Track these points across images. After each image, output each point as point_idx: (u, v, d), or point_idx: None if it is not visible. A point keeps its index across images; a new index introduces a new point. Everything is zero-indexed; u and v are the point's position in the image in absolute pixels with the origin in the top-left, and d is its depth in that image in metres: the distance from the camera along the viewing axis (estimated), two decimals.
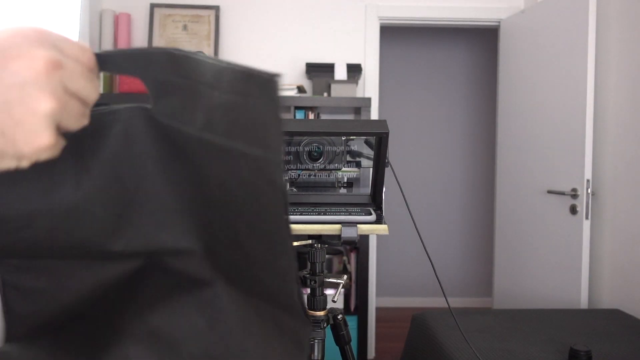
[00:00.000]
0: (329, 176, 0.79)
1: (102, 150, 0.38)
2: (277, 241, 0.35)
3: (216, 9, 2.68)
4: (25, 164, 0.28)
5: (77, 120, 0.30)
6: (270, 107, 0.33)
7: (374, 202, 0.74)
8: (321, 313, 0.89)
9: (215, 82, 0.34)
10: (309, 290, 0.89)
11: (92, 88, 0.31)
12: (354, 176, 0.79)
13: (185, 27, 2.67)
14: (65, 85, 0.28)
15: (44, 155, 0.28)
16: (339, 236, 0.66)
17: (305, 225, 0.68)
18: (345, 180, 0.79)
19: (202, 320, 0.38)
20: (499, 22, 2.83)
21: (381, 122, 0.64)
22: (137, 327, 0.39)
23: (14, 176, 0.36)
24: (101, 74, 2.37)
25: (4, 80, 0.26)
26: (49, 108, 0.27)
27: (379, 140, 0.66)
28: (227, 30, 2.73)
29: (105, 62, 0.36)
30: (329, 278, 0.90)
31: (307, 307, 0.90)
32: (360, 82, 2.74)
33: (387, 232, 0.68)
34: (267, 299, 0.37)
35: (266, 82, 0.32)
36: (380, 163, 0.68)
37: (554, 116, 2.36)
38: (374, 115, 2.67)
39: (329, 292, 0.92)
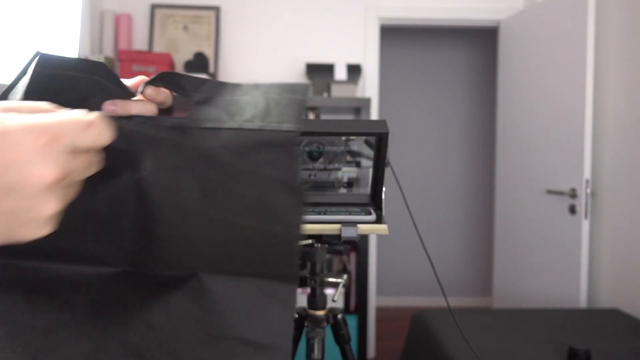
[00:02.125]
0: (329, 176, 0.79)
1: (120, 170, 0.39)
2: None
3: (217, 9, 2.69)
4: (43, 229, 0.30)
5: (84, 172, 0.32)
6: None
7: (374, 202, 0.75)
8: (321, 312, 0.89)
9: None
10: (309, 290, 0.90)
11: (93, 137, 0.31)
12: (354, 176, 0.80)
13: (185, 28, 2.67)
14: (65, 148, 0.29)
15: (52, 218, 0.30)
16: (339, 236, 0.66)
17: (305, 225, 0.69)
18: (345, 180, 0.80)
19: (196, 307, 0.40)
20: (499, 22, 2.83)
21: (381, 122, 0.64)
22: (136, 323, 0.40)
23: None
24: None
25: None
26: (48, 180, 0.28)
27: (379, 140, 0.66)
28: (227, 30, 2.74)
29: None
30: (329, 278, 0.91)
31: (307, 305, 0.90)
32: (360, 82, 2.75)
33: (387, 232, 0.68)
34: (256, 275, 0.40)
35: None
36: (380, 163, 0.68)
37: (553, 116, 2.37)
38: (374, 115, 2.67)
39: (329, 291, 0.92)
